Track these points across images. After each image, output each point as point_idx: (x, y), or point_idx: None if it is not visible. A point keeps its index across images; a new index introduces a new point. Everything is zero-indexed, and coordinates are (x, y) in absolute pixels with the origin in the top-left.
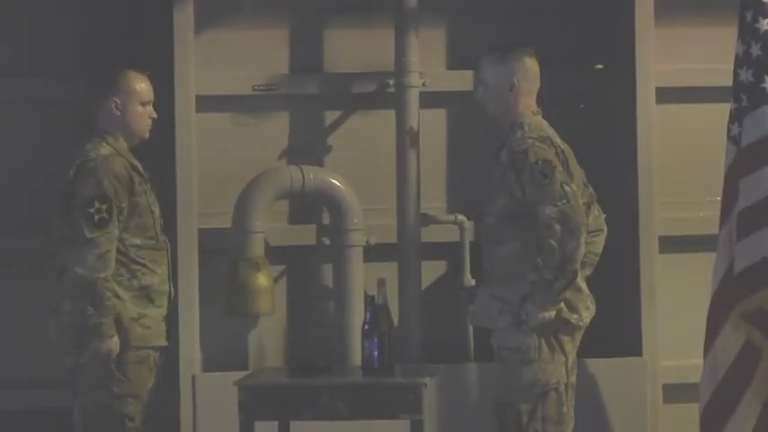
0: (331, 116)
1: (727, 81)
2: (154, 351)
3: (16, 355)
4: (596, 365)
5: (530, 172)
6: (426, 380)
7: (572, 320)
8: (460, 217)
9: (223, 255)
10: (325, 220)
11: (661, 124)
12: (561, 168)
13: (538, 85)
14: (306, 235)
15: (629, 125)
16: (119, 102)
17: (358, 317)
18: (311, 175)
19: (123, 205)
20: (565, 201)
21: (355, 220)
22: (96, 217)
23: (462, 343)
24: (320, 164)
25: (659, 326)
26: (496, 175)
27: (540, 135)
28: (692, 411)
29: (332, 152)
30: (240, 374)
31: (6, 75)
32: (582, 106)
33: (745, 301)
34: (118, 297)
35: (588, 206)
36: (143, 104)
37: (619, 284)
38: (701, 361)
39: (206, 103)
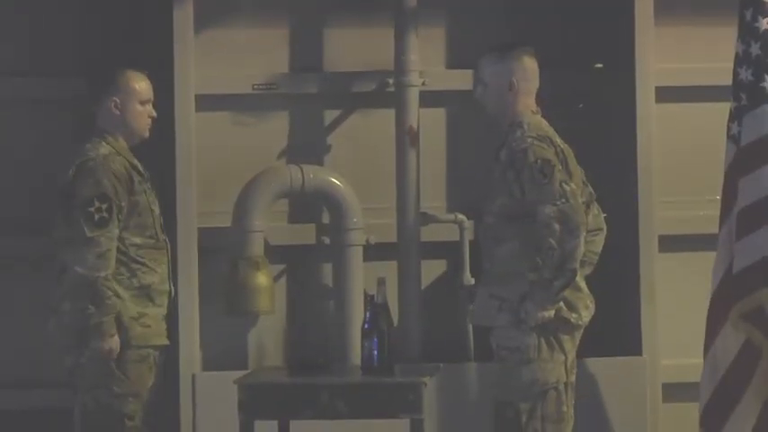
0: (331, 115)
1: (727, 80)
2: (154, 350)
3: (16, 355)
4: (596, 365)
5: (529, 171)
6: (426, 379)
7: (571, 320)
8: (460, 216)
9: (223, 254)
10: (325, 219)
11: (661, 123)
12: (560, 167)
13: (537, 84)
14: (305, 234)
15: (628, 124)
16: (118, 101)
17: (358, 316)
18: (311, 175)
19: (123, 204)
20: (564, 200)
21: (355, 220)
22: (96, 216)
23: (462, 342)
24: (320, 163)
25: (659, 325)
26: (496, 175)
27: (540, 134)
28: (692, 411)
29: (332, 151)
30: (240, 373)
31: (6, 74)
32: (581, 105)
33: (745, 300)
34: (118, 296)
35: (587, 205)
36: (142, 103)
37: (618, 283)
38: (701, 360)
39: (206, 103)
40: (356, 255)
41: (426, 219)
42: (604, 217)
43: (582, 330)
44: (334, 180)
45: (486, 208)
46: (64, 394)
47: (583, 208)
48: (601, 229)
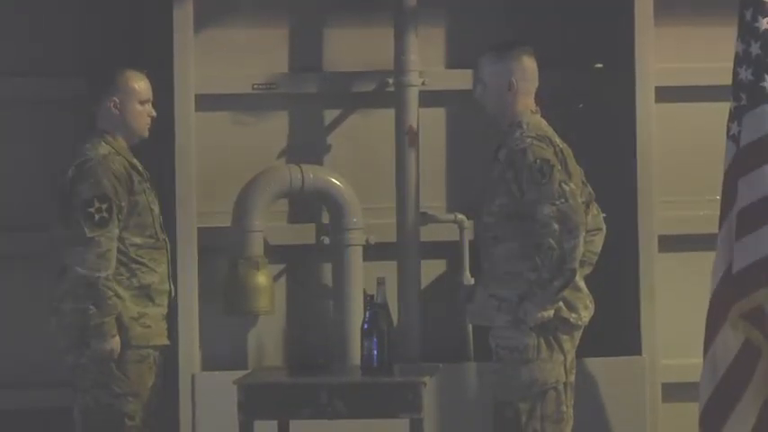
0: (330, 115)
1: (727, 80)
2: (154, 350)
3: (16, 355)
4: (596, 364)
5: (528, 171)
6: (426, 379)
7: (571, 319)
8: (460, 216)
9: (222, 254)
10: (325, 219)
11: (660, 123)
12: (560, 167)
13: (536, 84)
14: (305, 234)
15: (628, 124)
16: (117, 101)
17: (357, 316)
18: (311, 175)
19: (123, 204)
20: (563, 200)
21: (355, 219)
22: (96, 216)
23: (462, 342)
24: (320, 163)
25: (659, 325)
26: (495, 175)
27: (539, 134)
28: (692, 410)
29: (331, 151)
30: (239, 373)
31: (6, 74)
32: (581, 105)
33: (745, 300)
34: (118, 296)
35: (587, 205)
36: (141, 103)
37: (618, 283)
38: (701, 360)
39: (205, 102)
40: (356, 255)
41: (426, 219)
42: (604, 217)
43: (581, 330)
44: (333, 180)
45: (485, 208)
46: (64, 394)
47: (582, 208)
48: (600, 229)
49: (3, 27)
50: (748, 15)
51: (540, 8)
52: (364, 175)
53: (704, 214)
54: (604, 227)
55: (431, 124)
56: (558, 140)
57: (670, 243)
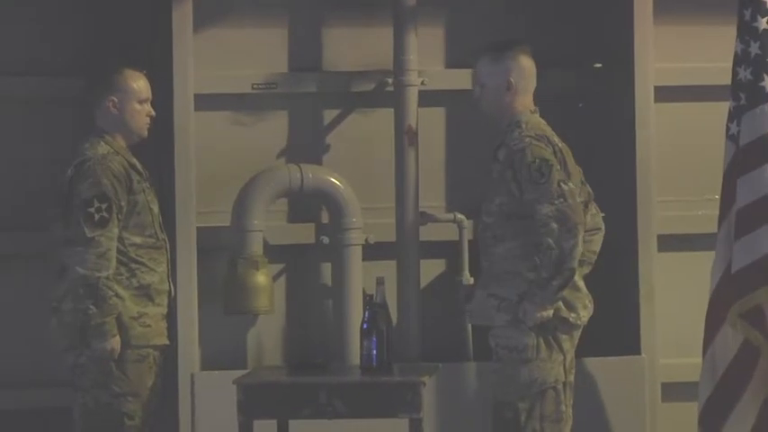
0: (330, 115)
1: (726, 80)
2: (154, 350)
3: (16, 355)
4: (595, 364)
5: (527, 171)
6: (425, 378)
7: (570, 319)
8: (459, 215)
9: (222, 253)
10: (324, 218)
11: (660, 123)
12: (559, 167)
13: (534, 83)
14: (305, 233)
15: (627, 124)
16: (116, 100)
17: (357, 315)
18: (310, 174)
19: (122, 204)
20: (562, 199)
21: (354, 219)
22: (96, 216)
23: (461, 342)
24: (319, 162)
25: (658, 324)
26: (494, 175)
27: (538, 134)
28: (691, 410)
29: (331, 151)
30: (239, 373)
31: (6, 74)
32: (581, 105)
33: (743, 299)
34: (118, 296)
35: (586, 205)
36: (140, 103)
37: (617, 283)
38: (700, 360)
39: (204, 102)
40: (355, 254)
41: (425, 218)
42: (603, 216)
43: (580, 330)
44: (333, 179)
45: (484, 207)
46: (64, 394)
47: (581, 207)
48: (599, 229)
49: (2, 27)
50: (747, 15)
51: (539, 8)
52: (364, 174)
53: (703, 214)
54: (603, 226)
55: (430, 124)
56: (557, 140)
57: (669, 242)
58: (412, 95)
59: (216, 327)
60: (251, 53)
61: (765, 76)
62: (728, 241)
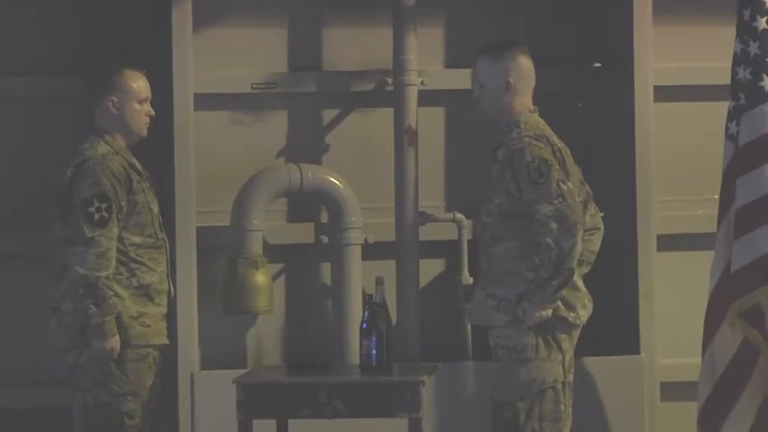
0: (329, 115)
1: (725, 79)
2: (153, 349)
3: (16, 354)
4: (594, 363)
5: (526, 170)
6: (424, 378)
7: (569, 319)
8: (459, 215)
9: (222, 253)
10: (324, 218)
11: (659, 123)
12: (558, 167)
13: (533, 83)
14: (304, 233)
15: (627, 123)
16: (116, 100)
17: (356, 315)
18: (309, 174)
19: (122, 204)
20: (561, 199)
21: (353, 219)
22: (96, 216)
23: (460, 341)
24: (318, 162)
25: (657, 324)
26: (493, 175)
27: (537, 133)
28: (690, 410)
29: (330, 150)
30: (238, 372)
31: (5, 73)
32: (580, 105)
33: (743, 299)
34: (118, 296)
35: (585, 205)
36: (140, 102)
37: (617, 282)
38: (699, 359)
39: (204, 102)
40: (355, 254)
41: (425, 218)
42: (602, 216)
43: (579, 329)
44: (332, 179)
45: (483, 208)
46: (63, 393)
47: (580, 207)
48: (598, 229)
49: (2, 27)
50: (746, 15)
51: (538, 8)
52: (363, 174)
53: (703, 213)
54: (602, 226)
55: (430, 124)
56: (556, 140)
57: (669, 242)
58: (411, 95)
59: (215, 326)
60: (251, 53)
61: (765, 75)
62: (728, 241)
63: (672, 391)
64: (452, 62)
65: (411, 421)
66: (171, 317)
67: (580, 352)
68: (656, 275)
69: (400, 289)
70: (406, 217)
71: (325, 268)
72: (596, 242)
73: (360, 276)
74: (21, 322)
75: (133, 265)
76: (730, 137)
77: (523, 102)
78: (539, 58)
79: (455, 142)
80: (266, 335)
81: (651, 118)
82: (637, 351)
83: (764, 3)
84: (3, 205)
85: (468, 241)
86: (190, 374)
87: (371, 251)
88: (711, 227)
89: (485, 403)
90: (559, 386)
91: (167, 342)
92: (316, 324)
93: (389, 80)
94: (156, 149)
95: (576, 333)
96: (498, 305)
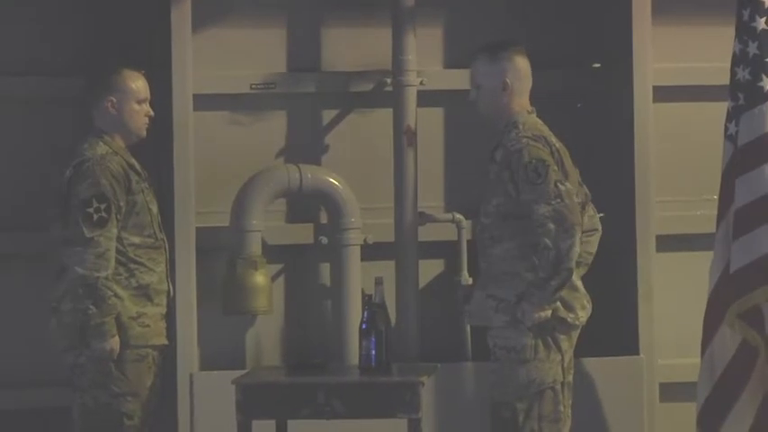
0: (328, 115)
1: (725, 80)
2: (153, 350)
3: (16, 355)
4: (593, 364)
5: (524, 171)
6: (424, 379)
7: (568, 319)
8: (458, 216)
9: (221, 253)
10: (323, 218)
11: (658, 123)
12: (556, 167)
13: (530, 83)
14: (303, 234)
15: (626, 124)
16: (115, 100)
17: (355, 316)
18: (309, 174)
19: (121, 204)
20: (559, 200)
21: (353, 219)
22: (95, 216)
23: (460, 342)
24: (318, 163)
25: (656, 324)
26: (491, 176)
27: (535, 134)
28: (689, 410)
29: (329, 151)
30: (238, 373)
31: (5, 73)
32: (579, 105)
33: (742, 299)
34: (117, 296)
35: (583, 206)
36: (139, 103)
37: (616, 283)
38: (698, 360)
39: (203, 102)
40: (354, 254)
41: (424, 218)
42: (601, 216)
43: (579, 330)
44: (331, 180)
45: (482, 209)
46: (63, 393)
47: (578, 207)
48: (596, 230)
49: (2, 27)
50: (746, 15)
51: (538, 8)
52: (362, 174)
53: (702, 214)
54: (600, 227)
55: (429, 124)
56: (554, 140)
57: (668, 243)
58: (411, 96)
59: (215, 327)
60: (250, 53)
61: (764, 76)
62: (727, 241)
63: (671, 391)
64: (452, 62)
65: (410, 422)
66: (170, 317)
67: (579, 352)
68: (656, 276)
69: (399, 289)
70: (405, 217)
71: (325, 269)
72: (594, 244)
73: (359, 277)
74: (21, 322)
75: (132, 266)
76: (729, 137)
77: (521, 102)
78: (538, 59)
79: (454, 143)
80: (265, 335)
81: (650, 118)
82: (636, 351)
83: (764, 3)
84: (3, 205)
85: (468, 242)
86: (189, 375)
87: (371, 252)
88: (710, 227)
89: (484, 404)
90: (558, 387)
91: (166, 342)
92: (315, 325)
93: (389, 80)
94: (156, 150)
95: (576, 334)
96: (497, 306)
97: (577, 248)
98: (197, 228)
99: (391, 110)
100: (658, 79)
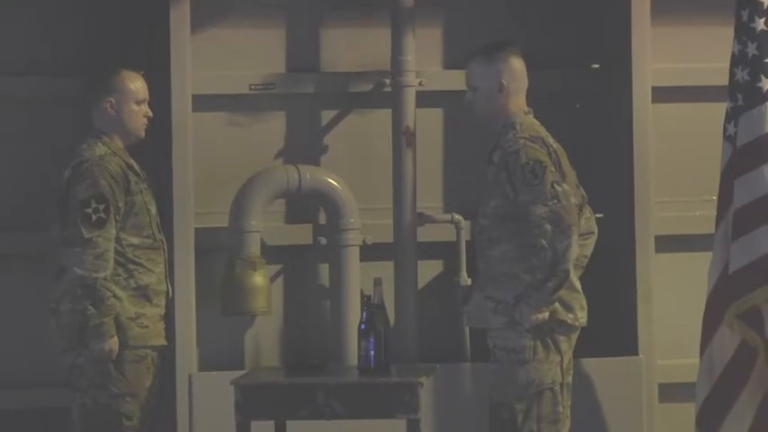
0: (327, 115)
1: (724, 80)
2: (152, 350)
3: (15, 355)
4: (592, 365)
5: (521, 172)
6: (423, 379)
7: (568, 321)
8: (457, 216)
9: (220, 254)
10: (322, 219)
11: (657, 124)
12: (553, 168)
13: (526, 83)
14: (302, 234)
15: (625, 124)
16: (113, 101)
17: (354, 316)
18: (308, 175)
19: (120, 205)
20: (556, 200)
21: (352, 220)
22: (94, 217)
23: (458, 342)
24: (317, 163)
25: (655, 325)
26: (489, 177)
27: (532, 135)
28: (688, 411)
29: (328, 151)
30: (237, 374)
31: (5, 73)
32: (578, 106)
33: (741, 300)
34: (116, 297)
35: (580, 208)
36: (138, 103)
37: (615, 283)
38: (697, 360)
39: (202, 103)
40: (353, 255)
41: (423, 219)
42: (600, 217)
43: (578, 331)
44: (330, 180)
45: (480, 210)
46: (62, 394)
47: (575, 209)
48: (592, 233)
49: (2, 27)
50: (745, 16)
51: (537, 8)
52: (361, 175)
53: (701, 215)
54: (596, 230)
55: (428, 125)
56: (551, 141)
57: (667, 243)
58: (410, 96)
59: (214, 327)
60: (249, 54)
61: (762, 76)
62: (726, 242)
63: (670, 392)
64: (451, 63)
65: (409, 422)
66: (169, 318)
67: (578, 353)
68: (655, 276)
69: (398, 290)
70: (404, 218)
71: (324, 269)
72: (590, 247)
73: (358, 277)
74: (20, 322)
75: (131, 266)
76: (728, 138)
77: (517, 103)
78: (537, 59)
79: (453, 143)
80: (264, 336)
81: (649, 119)
82: (635, 352)
83: (763, 3)
84: (3, 205)
85: (467, 242)
86: (188, 375)
87: (370, 252)
88: (710, 228)
89: (483, 404)
90: (557, 387)
91: (165, 343)
92: (314, 325)
93: (387, 81)
94: (154, 150)
95: (575, 335)
96: (496, 307)
97: (575, 249)
98: (196, 228)
99: (390, 110)
100: (657, 80)
